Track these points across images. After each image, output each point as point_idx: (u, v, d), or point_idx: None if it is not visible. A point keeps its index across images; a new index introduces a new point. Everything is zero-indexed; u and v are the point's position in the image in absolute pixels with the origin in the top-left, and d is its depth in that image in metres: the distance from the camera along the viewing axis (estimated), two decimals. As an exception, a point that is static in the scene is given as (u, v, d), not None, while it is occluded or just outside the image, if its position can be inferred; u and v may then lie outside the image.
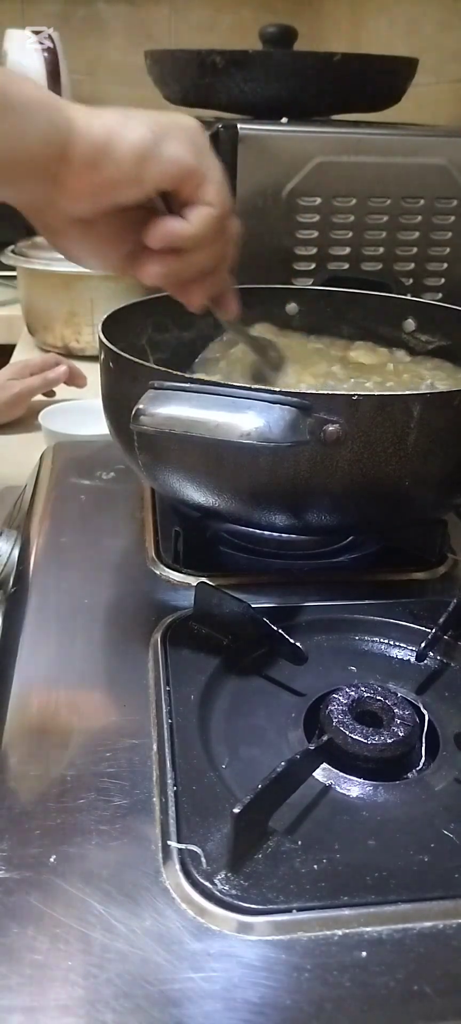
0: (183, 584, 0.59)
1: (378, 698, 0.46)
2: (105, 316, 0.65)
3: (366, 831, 0.40)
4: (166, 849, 0.38)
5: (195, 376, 0.52)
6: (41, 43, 1.59)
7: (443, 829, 0.40)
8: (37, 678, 0.50)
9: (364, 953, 0.34)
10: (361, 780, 0.43)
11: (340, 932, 0.35)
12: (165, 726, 0.45)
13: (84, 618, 0.56)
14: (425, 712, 0.47)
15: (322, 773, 0.43)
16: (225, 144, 0.92)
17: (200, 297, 0.57)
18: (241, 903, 0.35)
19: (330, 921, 0.35)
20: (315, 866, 0.37)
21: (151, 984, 0.33)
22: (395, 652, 0.53)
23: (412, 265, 0.99)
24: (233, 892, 0.36)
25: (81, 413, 0.99)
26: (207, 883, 0.36)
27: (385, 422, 0.52)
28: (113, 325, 0.64)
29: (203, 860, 0.37)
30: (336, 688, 0.47)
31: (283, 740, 0.45)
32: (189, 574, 0.60)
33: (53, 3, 1.86)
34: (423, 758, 0.45)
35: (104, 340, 0.61)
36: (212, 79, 1.01)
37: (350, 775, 0.43)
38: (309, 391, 0.52)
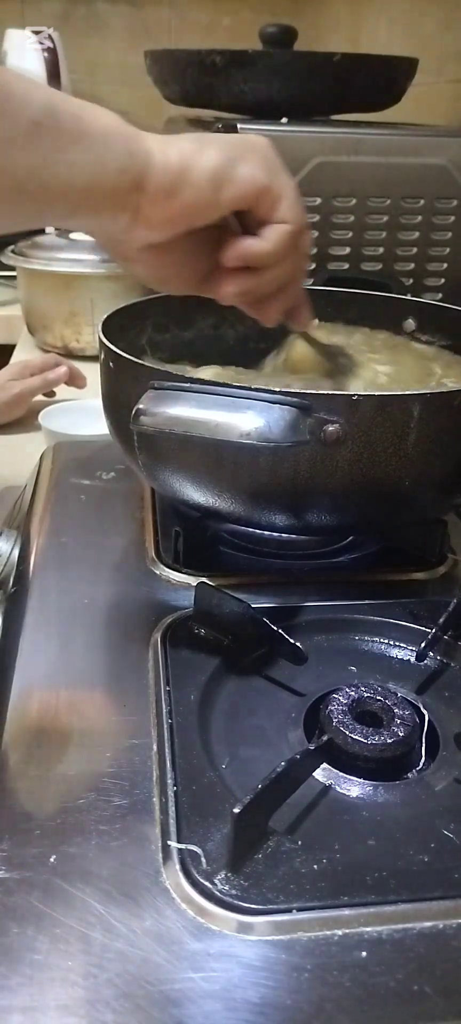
0: (183, 584, 0.59)
1: (378, 698, 0.46)
2: (105, 316, 0.65)
3: (366, 831, 0.40)
4: (166, 849, 0.38)
5: (196, 376, 0.52)
6: (41, 43, 1.59)
7: (443, 829, 0.40)
8: (37, 678, 0.50)
9: (364, 953, 0.34)
10: (361, 780, 0.43)
11: (340, 932, 0.35)
12: (165, 726, 0.45)
13: (84, 618, 0.56)
14: (425, 712, 0.47)
15: (322, 773, 0.43)
16: (225, 144, 0.92)
17: (276, 312, 0.57)
18: (241, 903, 0.35)
19: (330, 921, 0.35)
20: (315, 866, 0.37)
21: (151, 984, 0.33)
22: (395, 652, 0.53)
23: (412, 265, 0.99)
24: (233, 892, 0.36)
25: (81, 413, 0.99)
26: (207, 883, 0.36)
27: (385, 422, 0.52)
28: (113, 325, 0.64)
29: (203, 860, 0.37)
30: (336, 688, 0.47)
31: (283, 740, 0.45)
32: (189, 574, 0.60)
33: (53, 3, 1.86)
34: (423, 758, 0.45)
35: (104, 340, 0.61)
36: (212, 79, 1.01)
37: (350, 775, 0.43)
38: (309, 391, 0.52)
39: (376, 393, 0.53)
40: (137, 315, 0.72)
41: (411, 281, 0.99)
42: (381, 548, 0.65)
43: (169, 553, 0.62)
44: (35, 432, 1.03)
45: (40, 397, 1.10)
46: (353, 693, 0.46)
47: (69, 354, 1.26)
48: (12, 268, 1.37)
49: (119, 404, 0.59)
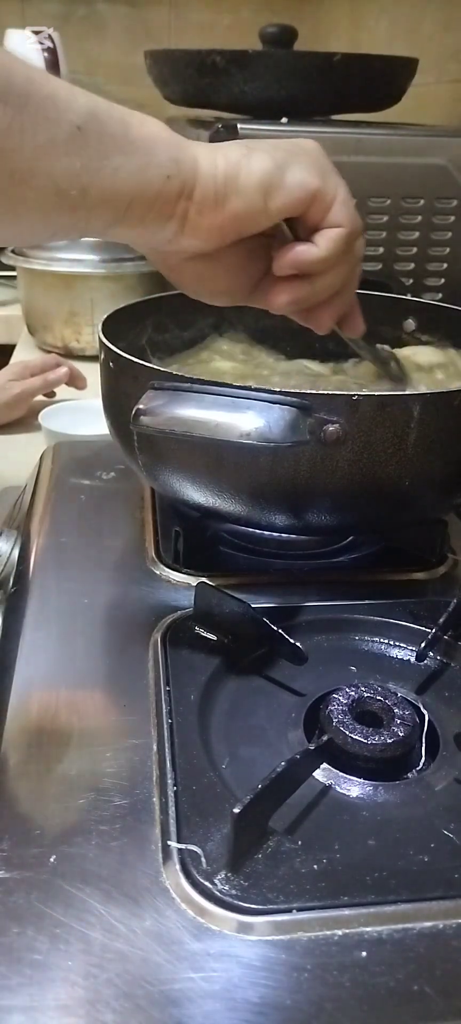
0: (183, 584, 0.59)
1: (378, 698, 0.46)
2: (105, 316, 0.65)
3: (366, 831, 0.40)
4: (166, 849, 0.38)
5: (195, 376, 0.52)
6: (41, 43, 1.59)
7: (443, 829, 0.40)
8: (37, 678, 0.50)
9: (364, 953, 0.34)
10: (361, 780, 0.43)
11: (340, 932, 0.35)
12: (165, 726, 0.45)
13: (84, 618, 0.56)
14: (425, 712, 0.47)
15: (322, 773, 0.43)
16: (225, 144, 0.92)
17: (329, 320, 0.55)
18: (241, 903, 0.35)
19: (330, 921, 0.35)
20: (315, 866, 0.37)
21: (151, 984, 0.33)
22: (395, 652, 0.53)
23: (412, 265, 0.99)
24: (233, 892, 0.36)
25: (81, 413, 0.99)
26: (207, 883, 0.36)
27: (385, 422, 0.52)
28: (113, 325, 0.64)
29: (203, 860, 0.37)
30: (336, 688, 0.47)
31: (283, 740, 0.45)
32: (189, 574, 0.60)
33: (53, 3, 1.86)
34: (423, 758, 0.45)
35: (104, 340, 0.61)
36: (212, 79, 1.01)
37: (350, 775, 0.43)
38: (309, 391, 0.52)
39: (376, 393, 0.53)
40: (137, 315, 0.72)
41: (411, 281, 0.99)
42: (381, 548, 0.65)
43: (169, 553, 0.62)
44: (35, 432, 1.03)
45: (40, 397, 1.10)
46: (353, 693, 0.46)
47: (69, 354, 1.26)
48: (12, 268, 1.38)
49: (119, 404, 0.59)
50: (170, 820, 0.39)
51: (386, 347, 0.72)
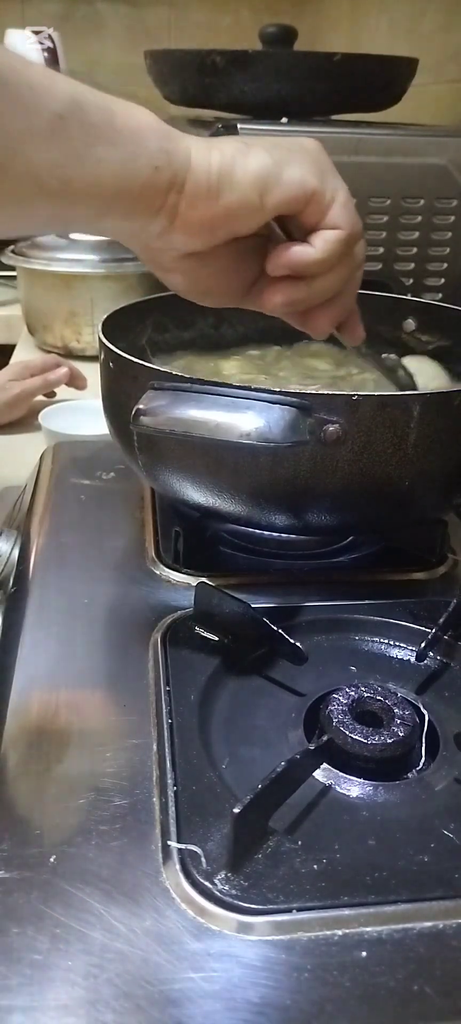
0: (183, 584, 0.59)
1: (378, 698, 0.46)
2: (105, 316, 0.65)
3: (366, 831, 0.40)
4: (166, 849, 0.38)
5: (195, 376, 0.52)
6: (41, 43, 1.59)
7: (443, 829, 0.40)
8: (37, 678, 0.50)
9: (364, 953, 0.34)
10: (361, 780, 0.43)
11: (340, 932, 0.35)
12: (165, 726, 0.45)
13: (84, 618, 0.56)
14: (425, 712, 0.47)
15: (322, 773, 0.43)
16: (225, 144, 0.92)
17: (326, 325, 0.53)
18: (241, 903, 0.35)
19: (330, 921, 0.35)
20: (315, 866, 0.37)
21: (151, 984, 0.33)
22: (395, 652, 0.53)
23: (412, 265, 0.99)
24: (233, 892, 0.36)
25: (81, 413, 0.99)
26: (207, 883, 0.36)
27: (385, 422, 0.52)
28: (113, 325, 0.64)
29: (203, 860, 0.37)
30: (336, 688, 0.47)
31: (283, 740, 0.45)
32: (189, 574, 0.60)
33: (53, 3, 1.86)
34: (423, 758, 0.45)
35: (104, 340, 0.61)
36: (212, 79, 1.01)
37: (350, 775, 0.43)
38: (309, 391, 0.52)
39: (375, 393, 0.53)
40: (137, 315, 0.72)
41: (411, 281, 0.99)
42: (381, 548, 0.65)
43: (169, 553, 0.62)
44: (35, 432, 1.03)
45: (40, 397, 1.10)
46: (353, 693, 0.46)
47: (69, 354, 1.26)
48: (12, 268, 1.38)
49: (119, 404, 0.59)
50: (170, 820, 0.39)
51: (392, 355, 0.71)
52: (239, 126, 0.92)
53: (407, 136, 0.96)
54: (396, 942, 0.35)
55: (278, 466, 0.53)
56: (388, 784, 0.43)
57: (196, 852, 0.37)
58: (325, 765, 0.43)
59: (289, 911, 0.35)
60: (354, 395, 0.52)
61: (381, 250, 0.97)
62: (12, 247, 1.36)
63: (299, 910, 0.35)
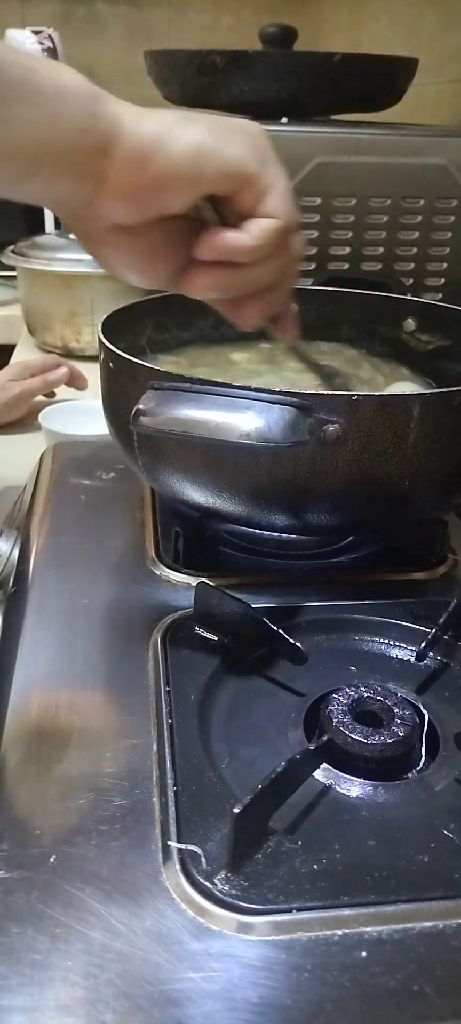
0: (183, 584, 0.59)
1: (378, 698, 0.46)
2: (105, 316, 0.65)
3: (366, 831, 0.40)
4: (166, 849, 0.38)
5: (195, 376, 0.52)
6: (41, 43, 1.59)
7: (443, 829, 0.40)
8: (37, 678, 0.50)
9: (364, 953, 0.34)
10: (361, 780, 0.43)
11: (340, 932, 0.35)
12: (165, 726, 0.45)
13: (84, 618, 0.56)
14: (425, 712, 0.47)
15: (322, 773, 0.43)
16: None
17: (255, 317, 0.51)
18: (241, 903, 0.35)
19: (330, 921, 0.35)
20: (315, 866, 0.37)
21: (151, 984, 0.33)
22: (395, 652, 0.53)
23: (412, 265, 0.99)
24: (233, 892, 0.36)
25: (81, 413, 0.99)
26: (207, 883, 0.36)
27: (385, 422, 0.52)
28: (113, 325, 0.64)
29: (203, 860, 0.37)
30: (336, 688, 0.47)
31: (283, 740, 0.45)
32: (189, 574, 0.60)
33: (53, 3, 1.86)
34: (423, 758, 0.45)
35: (104, 340, 0.61)
36: (212, 79, 1.01)
37: (350, 775, 0.43)
38: (309, 391, 0.52)
39: (376, 393, 0.53)
40: (137, 315, 0.72)
41: (411, 281, 0.99)
42: (381, 548, 0.65)
43: (169, 553, 0.62)
44: (35, 432, 1.03)
45: (40, 397, 1.10)
46: (353, 693, 0.46)
47: (69, 354, 1.26)
48: (12, 268, 1.38)
49: (119, 404, 0.59)
50: (170, 820, 0.39)
51: (333, 364, 0.70)
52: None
53: (407, 136, 0.96)
54: (396, 942, 0.35)
55: (278, 466, 0.53)
56: (388, 784, 0.43)
57: (196, 852, 0.37)
58: (325, 765, 0.43)
59: (289, 911, 0.35)
60: (354, 395, 0.52)
61: (381, 250, 0.97)
62: (12, 247, 1.36)
63: (299, 910, 0.35)
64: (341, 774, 0.43)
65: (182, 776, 0.41)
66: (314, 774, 0.42)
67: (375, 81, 1.05)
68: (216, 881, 0.36)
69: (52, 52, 1.60)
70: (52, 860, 0.38)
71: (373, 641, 0.54)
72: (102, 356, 0.62)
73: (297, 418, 0.50)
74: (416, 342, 0.77)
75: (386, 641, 0.54)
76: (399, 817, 0.41)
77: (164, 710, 0.46)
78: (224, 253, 0.47)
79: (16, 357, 1.34)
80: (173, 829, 0.39)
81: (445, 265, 0.99)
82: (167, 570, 0.61)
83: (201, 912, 0.35)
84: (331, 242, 0.96)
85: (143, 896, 0.36)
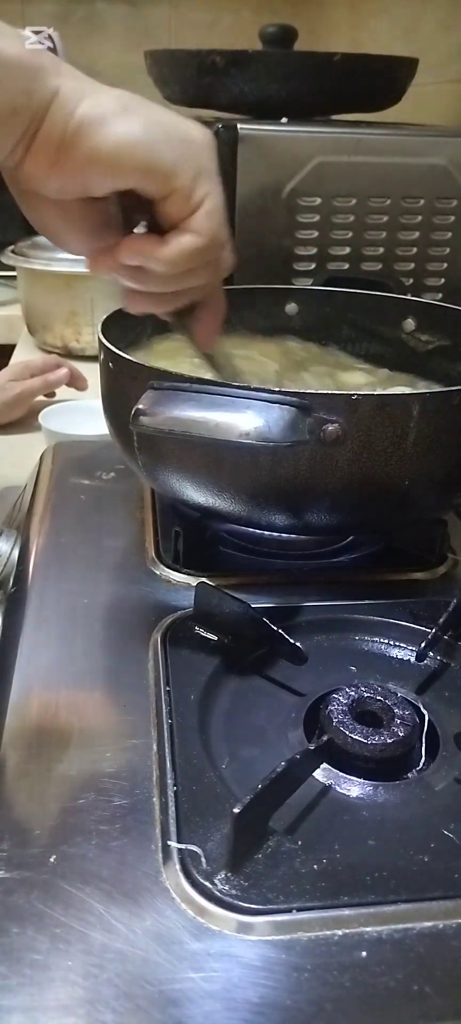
0: (183, 584, 0.59)
1: (378, 698, 0.46)
2: (105, 316, 0.65)
3: (366, 831, 0.40)
4: (166, 849, 0.38)
5: (195, 376, 0.52)
6: (41, 43, 1.59)
7: (443, 829, 0.40)
8: (37, 678, 0.50)
9: (364, 953, 0.34)
10: (361, 780, 0.43)
11: (340, 932, 0.35)
12: (165, 726, 0.45)
13: (84, 618, 0.56)
14: (425, 712, 0.47)
15: (322, 773, 0.43)
16: (225, 144, 0.92)
17: (168, 316, 0.52)
18: (241, 903, 0.35)
19: (330, 921, 0.35)
20: (315, 866, 0.37)
21: (151, 984, 0.33)
22: (395, 652, 0.53)
23: (412, 265, 0.99)
24: (233, 892, 0.36)
25: (81, 413, 0.99)
26: (207, 883, 0.36)
27: (385, 422, 0.52)
28: (113, 325, 0.64)
29: (203, 860, 0.37)
30: (336, 688, 0.47)
31: (283, 740, 0.45)
32: (189, 574, 0.60)
33: (53, 3, 1.86)
34: (423, 758, 0.45)
35: (104, 340, 0.61)
36: (212, 79, 1.01)
37: (350, 775, 0.43)
38: (308, 391, 0.52)
39: (375, 393, 0.53)
40: (137, 315, 0.71)
41: (411, 281, 0.99)
42: (381, 548, 0.65)
43: (169, 553, 0.62)
44: (35, 432, 1.03)
45: (40, 397, 1.10)
46: (353, 693, 0.46)
47: (69, 354, 1.26)
48: (12, 268, 1.38)
49: (119, 404, 0.59)
50: (170, 820, 0.39)
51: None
52: (239, 126, 0.92)
53: (407, 136, 0.96)
54: (396, 942, 0.35)
55: (278, 466, 0.53)
56: (388, 784, 0.43)
57: (196, 852, 0.37)
58: (325, 765, 0.43)
59: (289, 911, 0.35)
60: (353, 394, 0.52)
61: (381, 250, 0.97)
62: (12, 247, 1.36)
63: (299, 910, 0.35)
64: (341, 774, 0.43)
65: (182, 776, 0.41)
66: (314, 774, 0.42)
67: (375, 81, 1.05)
68: (216, 881, 0.36)
69: (52, 52, 1.60)
70: (52, 860, 0.38)
71: (373, 641, 0.54)
72: (102, 356, 0.62)
73: (297, 418, 0.50)
74: (416, 342, 0.77)
75: (386, 641, 0.54)
76: (399, 817, 0.41)
77: (164, 710, 0.46)
78: (139, 260, 0.47)
79: (16, 357, 1.34)
80: (173, 829, 0.39)
81: (445, 265, 0.99)
82: (167, 570, 0.61)
83: (201, 912, 0.35)
84: (331, 242, 0.96)
85: (143, 896, 0.36)
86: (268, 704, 0.48)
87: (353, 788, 0.42)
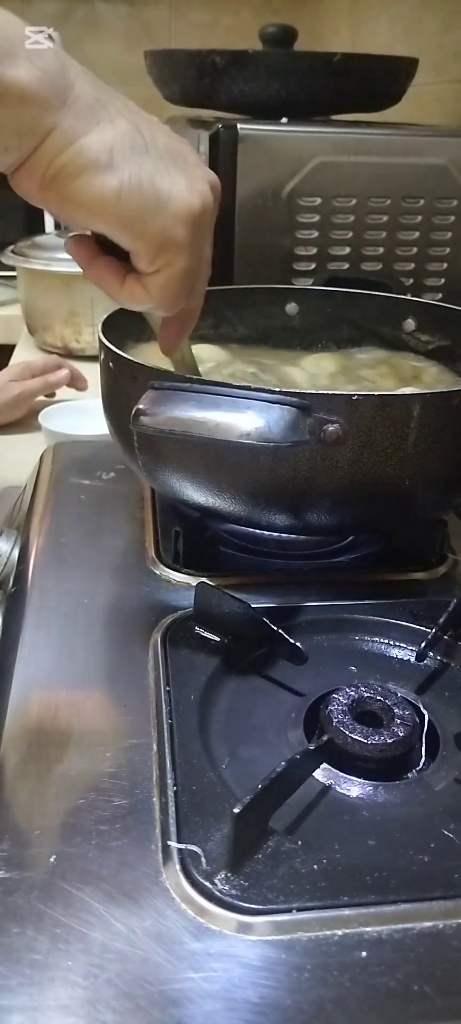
0: (183, 584, 0.59)
1: (378, 698, 0.46)
2: (105, 316, 0.65)
3: (366, 831, 0.40)
4: (166, 849, 0.38)
5: (195, 376, 0.52)
6: (41, 43, 1.59)
7: (443, 829, 0.40)
8: (37, 678, 0.50)
9: (364, 953, 0.34)
10: (361, 780, 0.43)
11: (340, 932, 0.35)
12: (165, 726, 0.45)
13: (84, 618, 0.56)
14: (425, 712, 0.47)
15: (322, 773, 0.43)
16: (225, 144, 0.92)
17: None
18: (241, 903, 0.35)
19: (330, 921, 0.35)
20: (315, 866, 0.37)
21: (151, 984, 0.33)
22: (395, 652, 0.53)
23: (412, 265, 0.99)
24: (233, 892, 0.36)
25: (81, 413, 0.99)
26: (207, 883, 0.36)
27: (385, 422, 0.52)
28: (113, 325, 0.64)
29: (203, 860, 0.37)
30: (336, 688, 0.47)
31: (283, 740, 0.45)
32: (189, 574, 0.60)
33: (53, 3, 1.86)
34: (423, 758, 0.45)
35: (104, 340, 0.61)
36: (212, 79, 1.01)
37: (350, 775, 0.43)
38: (309, 391, 0.52)
39: (376, 393, 0.53)
40: (137, 315, 0.71)
41: (411, 281, 0.99)
42: (381, 548, 0.65)
43: (169, 553, 0.62)
44: (35, 432, 1.03)
45: (40, 397, 1.10)
46: (353, 693, 0.46)
47: (69, 354, 1.26)
48: (12, 268, 1.38)
49: (119, 404, 0.59)
50: (170, 820, 0.39)
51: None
52: (239, 126, 0.92)
53: (407, 136, 0.97)
54: (396, 942, 0.35)
55: (278, 466, 0.53)
56: (388, 784, 0.43)
57: (196, 852, 0.37)
58: (325, 765, 0.43)
59: (289, 911, 0.35)
60: (354, 395, 0.52)
61: (381, 250, 0.97)
62: (12, 247, 1.36)
63: (299, 910, 0.35)
64: (341, 774, 0.43)
65: (182, 776, 0.41)
66: (314, 774, 0.42)
67: (375, 81, 1.05)
68: (216, 881, 0.36)
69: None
70: (52, 860, 0.38)
71: (373, 641, 0.54)
72: (102, 356, 0.62)
73: (297, 418, 0.50)
74: (416, 342, 0.77)
75: (386, 641, 0.54)
76: (399, 817, 0.41)
77: (164, 710, 0.46)
78: (99, 286, 0.50)
79: (16, 357, 1.34)
80: (173, 829, 0.39)
81: (445, 265, 0.99)
82: (167, 570, 0.61)
83: (201, 912, 0.35)
84: (331, 242, 0.96)
85: (143, 896, 0.36)
86: (268, 704, 0.48)
87: (353, 788, 0.42)
